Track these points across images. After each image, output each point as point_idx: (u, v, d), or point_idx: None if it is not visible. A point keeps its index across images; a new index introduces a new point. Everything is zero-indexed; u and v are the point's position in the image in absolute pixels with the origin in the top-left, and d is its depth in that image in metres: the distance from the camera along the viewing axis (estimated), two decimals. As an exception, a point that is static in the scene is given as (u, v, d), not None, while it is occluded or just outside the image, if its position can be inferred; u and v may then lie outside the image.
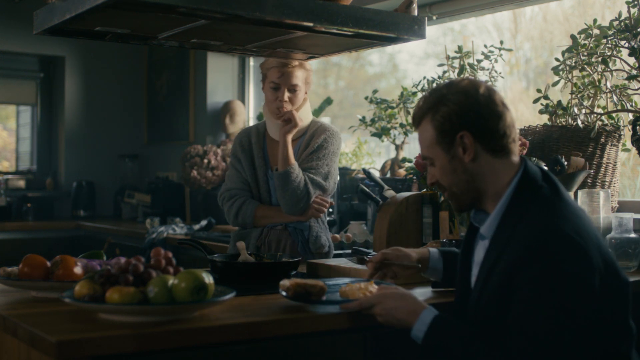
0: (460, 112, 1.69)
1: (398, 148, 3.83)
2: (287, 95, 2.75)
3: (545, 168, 2.72)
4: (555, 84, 2.89)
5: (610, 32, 2.72)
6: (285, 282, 1.84)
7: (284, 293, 1.84)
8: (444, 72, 3.32)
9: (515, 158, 1.74)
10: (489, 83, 3.20)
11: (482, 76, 3.26)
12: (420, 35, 2.27)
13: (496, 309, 1.63)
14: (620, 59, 2.74)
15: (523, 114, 3.93)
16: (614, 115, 2.84)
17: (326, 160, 2.79)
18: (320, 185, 2.74)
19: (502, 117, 1.70)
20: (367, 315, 1.80)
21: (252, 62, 5.25)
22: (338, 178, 3.02)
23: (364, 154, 4.22)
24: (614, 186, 2.91)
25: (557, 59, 2.86)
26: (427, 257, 2.02)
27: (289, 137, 2.71)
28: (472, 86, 1.71)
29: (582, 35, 2.79)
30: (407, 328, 1.72)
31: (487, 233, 1.73)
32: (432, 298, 1.98)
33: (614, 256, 1.67)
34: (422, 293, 2.05)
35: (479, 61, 3.24)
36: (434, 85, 3.36)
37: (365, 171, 2.95)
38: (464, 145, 1.70)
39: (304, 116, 2.83)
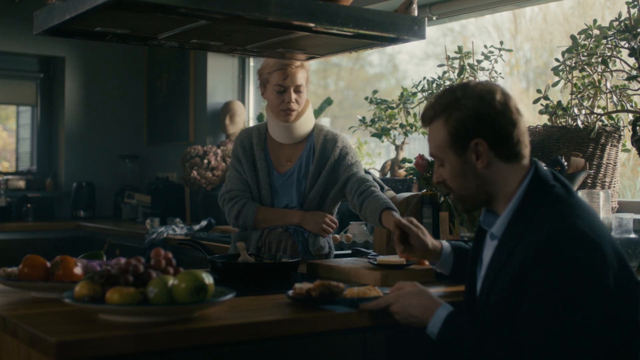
0: (476, 118, 1.68)
1: (398, 148, 3.83)
2: (293, 96, 2.74)
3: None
4: (555, 84, 2.89)
5: (610, 33, 2.72)
6: (302, 285, 1.84)
7: (290, 293, 1.84)
8: (444, 72, 3.32)
9: (526, 161, 1.74)
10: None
11: (482, 77, 3.26)
12: (420, 35, 2.27)
13: (506, 309, 1.63)
14: (620, 59, 2.75)
15: (523, 114, 3.92)
16: (614, 115, 2.84)
17: (356, 157, 2.84)
18: (369, 176, 2.78)
19: (517, 124, 1.70)
20: (366, 316, 1.80)
21: (252, 62, 5.25)
22: None
23: (364, 154, 4.22)
24: (614, 186, 2.91)
25: (557, 60, 2.86)
26: (439, 250, 2.04)
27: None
28: (489, 91, 1.69)
29: (582, 36, 2.79)
30: (423, 325, 1.74)
31: (497, 232, 1.73)
32: (442, 298, 1.97)
33: (626, 256, 1.66)
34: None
35: (478, 62, 3.24)
36: (434, 85, 3.36)
37: (365, 172, 2.95)
38: (478, 152, 1.69)
39: (308, 119, 2.83)
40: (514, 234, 1.67)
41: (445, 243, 2.06)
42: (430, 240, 2.03)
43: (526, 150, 1.73)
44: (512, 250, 1.64)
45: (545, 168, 1.75)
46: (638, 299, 1.63)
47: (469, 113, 1.68)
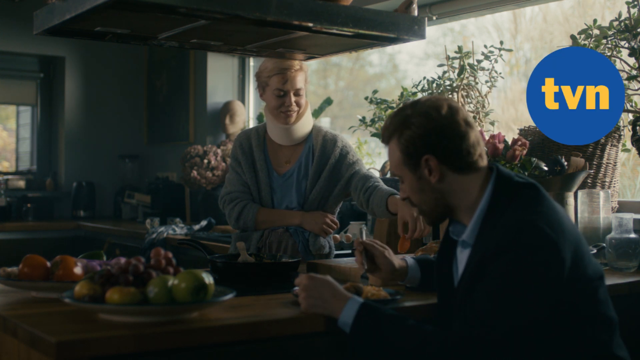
0: (422, 135, 1.71)
1: (398, 148, 3.82)
2: (293, 99, 2.74)
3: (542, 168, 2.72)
4: (555, 84, 2.89)
5: (610, 33, 2.72)
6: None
7: (294, 292, 1.84)
8: (444, 72, 3.32)
9: (483, 170, 1.75)
10: (484, 94, 3.20)
11: (482, 76, 3.26)
12: (420, 35, 2.27)
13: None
14: (620, 59, 2.74)
15: (523, 114, 3.93)
16: (614, 115, 2.84)
17: (357, 155, 2.85)
18: (373, 174, 2.79)
19: (466, 136, 1.71)
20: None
21: (252, 62, 5.25)
22: None
23: (364, 154, 4.22)
24: (614, 186, 2.91)
25: (557, 60, 2.85)
26: (405, 268, 2.05)
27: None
28: (434, 107, 1.72)
29: (582, 36, 2.79)
30: (332, 312, 1.72)
31: (469, 239, 1.74)
32: (415, 299, 1.98)
33: (588, 251, 1.71)
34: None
35: (478, 61, 3.24)
36: (434, 85, 3.36)
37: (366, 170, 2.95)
38: (429, 167, 1.73)
39: (307, 120, 2.83)
40: (484, 239, 1.68)
41: (409, 259, 2.08)
42: (395, 259, 2.05)
43: (481, 161, 1.74)
44: (483, 252, 1.66)
45: (507, 170, 1.77)
46: (597, 291, 1.67)
47: (416, 131, 1.72)
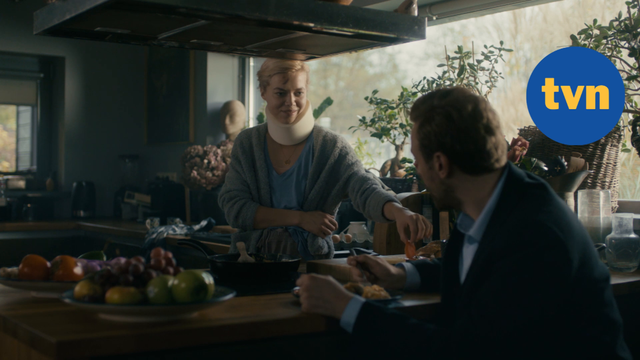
0: (438, 134, 1.72)
1: (398, 148, 3.83)
2: (294, 99, 2.74)
3: (546, 168, 2.72)
4: (555, 84, 2.89)
5: (610, 33, 2.72)
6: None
7: (294, 292, 1.84)
8: (444, 72, 3.32)
9: (495, 171, 1.75)
10: (484, 94, 3.20)
11: (482, 76, 3.26)
12: (420, 35, 2.27)
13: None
14: (620, 59, 2.75)
15: (523, 114, 3.93)
16: (614, 115, 2.84)
17: (356, 157, 2.85)
18: (370, 175, 2.79)
19: (482, 142, 1.71)
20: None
21: (252, 62, 5.25)
22: None
23: (364, 154, 4.22)
24: (614, 186, 2.91)
25: (557, 60, 2.85)
26: (403, 274, 2.06)
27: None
28: (459, 107, 1.71)
29: (582, 36, 2.79)
30: (332, 312, 1.72)
31: (476, 235, 1.75)
32: (416, 299, 1.98)
33: (595, 252, 1.71)
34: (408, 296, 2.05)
35: (479, 61, 3.24)
36: (434, 85, 3.36)
37: (365, 171, 2.95)
38: (440, 163, 1.74)
39: (308, 120, 2.83)
40: (492, 233, 1.68)
41: (406, 264, 2.09)
42: (390, 266, 2.06)
43: (497, 164, 1.74)
44: (490, 249, 1.66)
45: (519, 169, 1.78)
46: (603, 293, 1.68)
47: (435, 128, 1.72)
